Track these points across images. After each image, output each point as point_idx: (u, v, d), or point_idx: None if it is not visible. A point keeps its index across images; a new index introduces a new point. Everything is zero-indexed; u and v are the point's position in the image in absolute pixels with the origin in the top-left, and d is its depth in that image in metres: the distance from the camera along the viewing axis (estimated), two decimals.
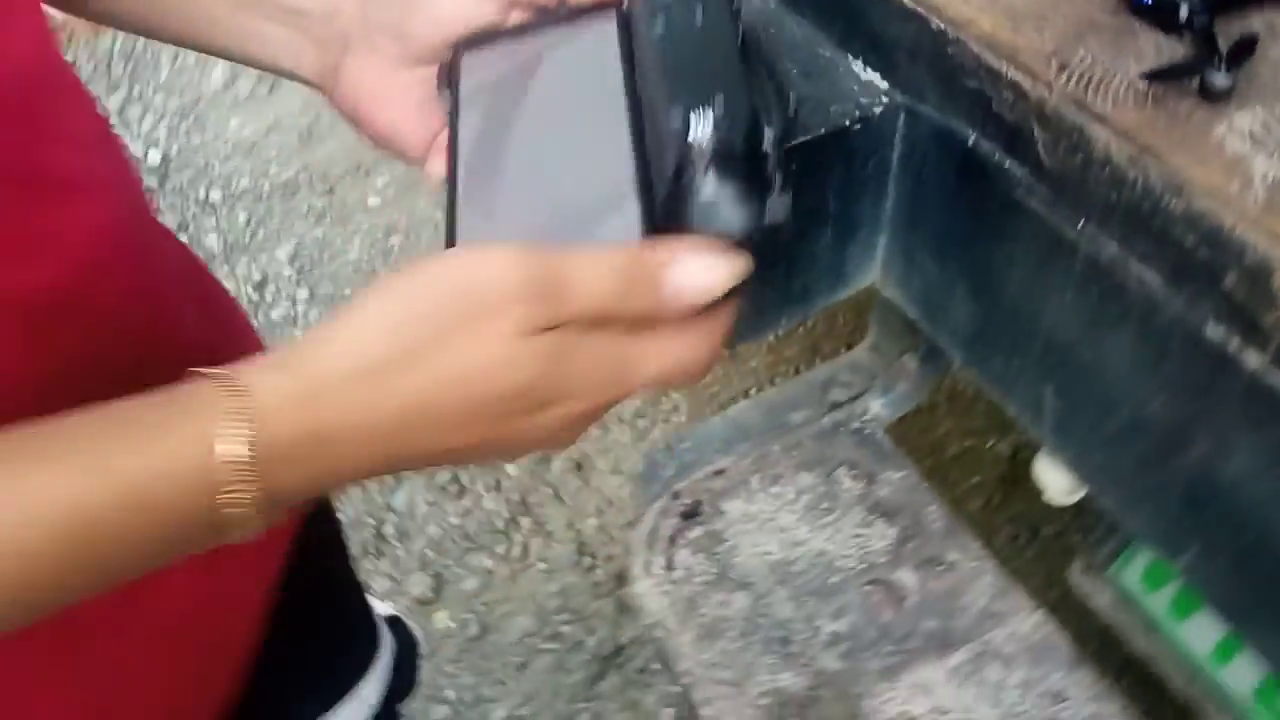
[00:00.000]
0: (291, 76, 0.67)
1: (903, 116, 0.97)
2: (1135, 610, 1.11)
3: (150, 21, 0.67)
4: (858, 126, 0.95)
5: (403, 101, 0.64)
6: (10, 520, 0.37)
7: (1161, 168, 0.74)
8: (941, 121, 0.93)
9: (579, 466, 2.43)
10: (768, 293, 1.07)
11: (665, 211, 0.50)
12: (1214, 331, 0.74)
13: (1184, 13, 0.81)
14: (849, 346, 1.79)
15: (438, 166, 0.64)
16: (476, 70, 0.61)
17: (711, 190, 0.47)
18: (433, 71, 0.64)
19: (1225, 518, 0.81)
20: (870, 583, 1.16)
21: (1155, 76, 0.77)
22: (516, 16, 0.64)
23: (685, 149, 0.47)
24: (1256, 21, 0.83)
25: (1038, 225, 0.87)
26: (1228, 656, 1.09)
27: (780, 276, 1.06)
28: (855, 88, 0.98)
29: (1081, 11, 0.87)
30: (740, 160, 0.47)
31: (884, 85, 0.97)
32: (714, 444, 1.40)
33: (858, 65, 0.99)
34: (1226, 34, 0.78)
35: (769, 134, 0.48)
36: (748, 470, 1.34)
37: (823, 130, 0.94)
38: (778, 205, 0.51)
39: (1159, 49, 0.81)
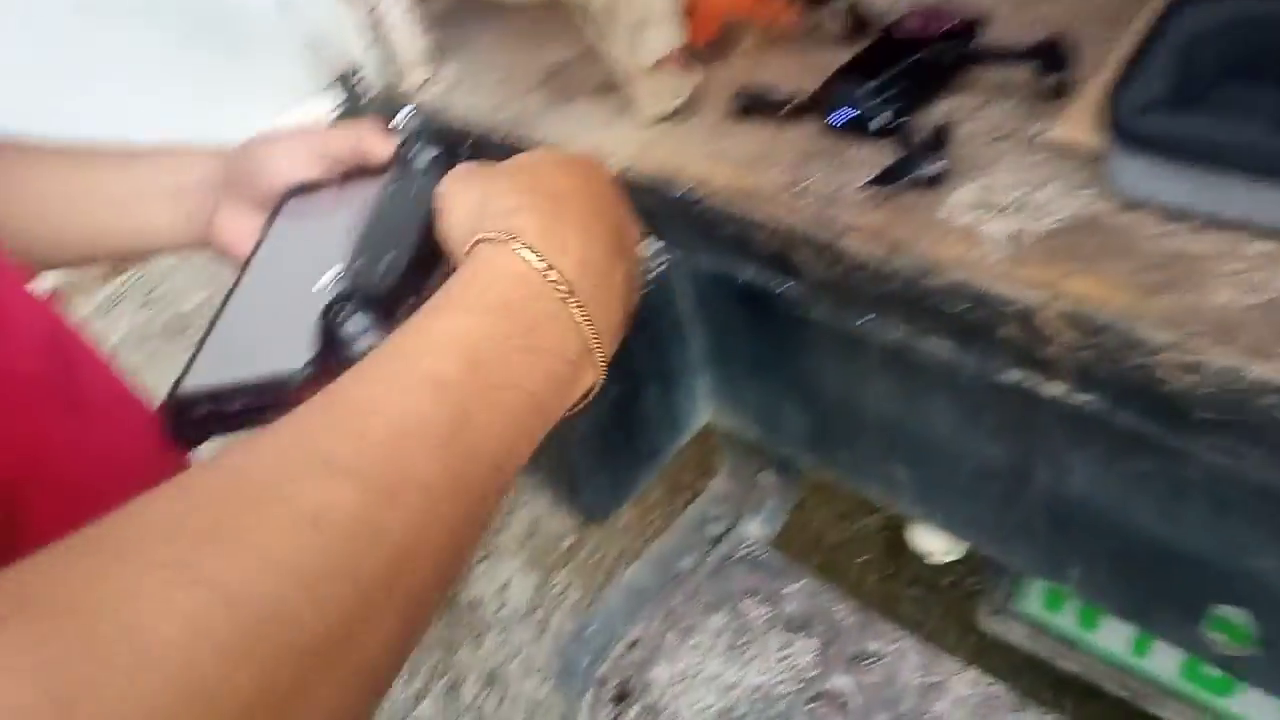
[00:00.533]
0: (172, 250, 0.81)
1: (684, 271, 1.04)
2: (1049, 634, 1.17)
3: (49, 253, 0.78)
4: (651, 289, 1.01)
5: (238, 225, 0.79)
6: (424, 350, 0.49)
7: (911, 255, 0.82)
8: (718, 266, 1.00)
9: (491, 681, 2.35)
10: (619, 462, 1.10)
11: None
12: (1012, 376, 0.82)
13: (876, 124, 0.92)
14: (704, 473, 1.84)
15: None
16: (289, 213, 0.75)
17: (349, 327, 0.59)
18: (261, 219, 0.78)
19: (1088, 529, 0.88)
20: (811, 700, 1.18)
21: (878, 181, 0.86)
22: (320, 167, 0.77)
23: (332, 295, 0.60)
24: (939, 111, 0.95)
25: (829, 330, 0.94)
26: (1145, 649, 1.15)
27: (624, 443, 1.09)
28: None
29: (796, 145, 0.97)
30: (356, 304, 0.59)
31: (660, 245, 1.04)
32: (618, 617, 1.40)
33: None
34: (923, 128, 0.89)
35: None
36: (659, 632, 1.34)
37: None
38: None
39: (875, 157, 0.91)
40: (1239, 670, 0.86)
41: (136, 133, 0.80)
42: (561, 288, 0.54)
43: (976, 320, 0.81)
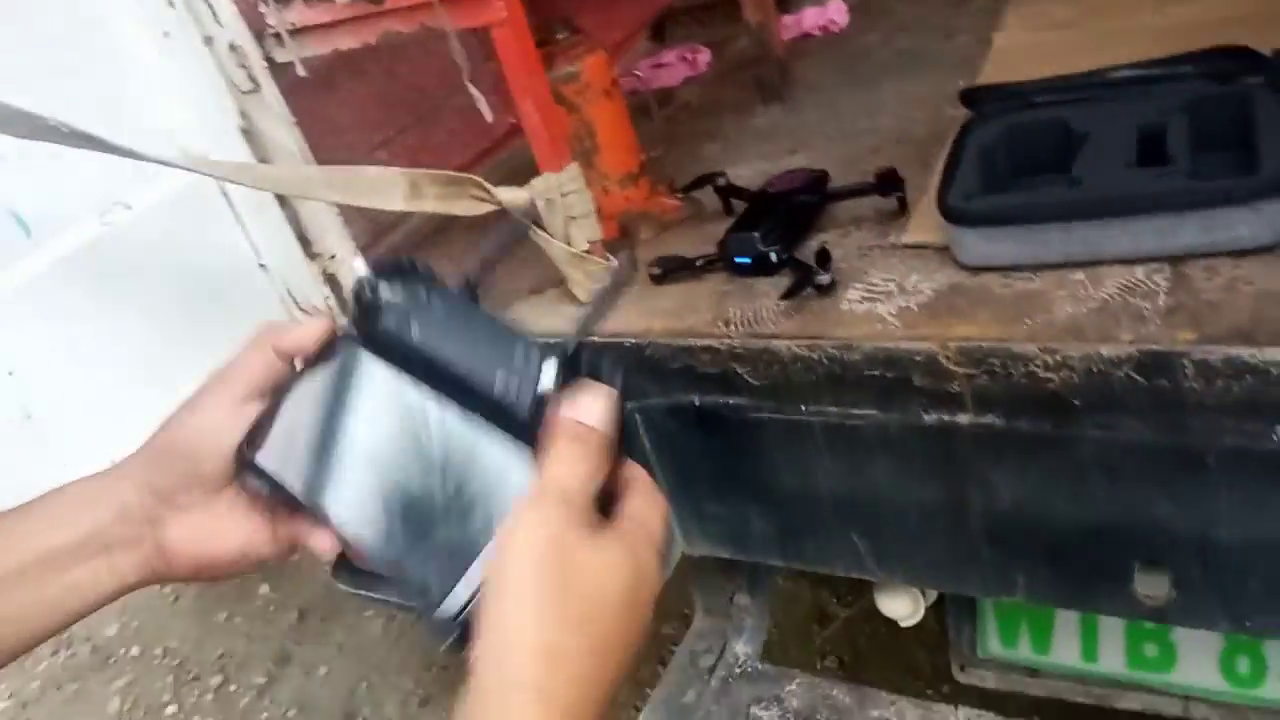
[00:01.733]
0: (119, 595, 0.67)
1: (638, 416, 1.22)
2: (1014, 669, 1.31)
3: None
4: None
5: (232, 520, 0.66)
6: None
7: (830, 340, 1.03)
8: (670, 399, 1.19)
9: None
10: None
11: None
12: (930, 418, 1.03)
13: (774, 258, 1.16)
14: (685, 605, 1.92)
15: (322, 541, 0.66)
16: (272, 449, 0.64)
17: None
18: (232, 490, 0.66)
19: (1021, 535, 1.06)
20: None
21: (786, 296, 1.09)
22: (258, 403, 0.65)
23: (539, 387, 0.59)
24: (814, 243, 1.20)
25: (776, 427, 1.13)
26: (1093, 653, 1.32)
27: None
28: None
29: (712, 291, 1.19)
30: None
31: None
32: None
33: None
34: (807, 255, 1.13)
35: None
36: None
37: None
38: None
39: (775, 285, 1.15)
40: (1171, 617, 1.03)
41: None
42: None
43: (892, 379, 1.02)
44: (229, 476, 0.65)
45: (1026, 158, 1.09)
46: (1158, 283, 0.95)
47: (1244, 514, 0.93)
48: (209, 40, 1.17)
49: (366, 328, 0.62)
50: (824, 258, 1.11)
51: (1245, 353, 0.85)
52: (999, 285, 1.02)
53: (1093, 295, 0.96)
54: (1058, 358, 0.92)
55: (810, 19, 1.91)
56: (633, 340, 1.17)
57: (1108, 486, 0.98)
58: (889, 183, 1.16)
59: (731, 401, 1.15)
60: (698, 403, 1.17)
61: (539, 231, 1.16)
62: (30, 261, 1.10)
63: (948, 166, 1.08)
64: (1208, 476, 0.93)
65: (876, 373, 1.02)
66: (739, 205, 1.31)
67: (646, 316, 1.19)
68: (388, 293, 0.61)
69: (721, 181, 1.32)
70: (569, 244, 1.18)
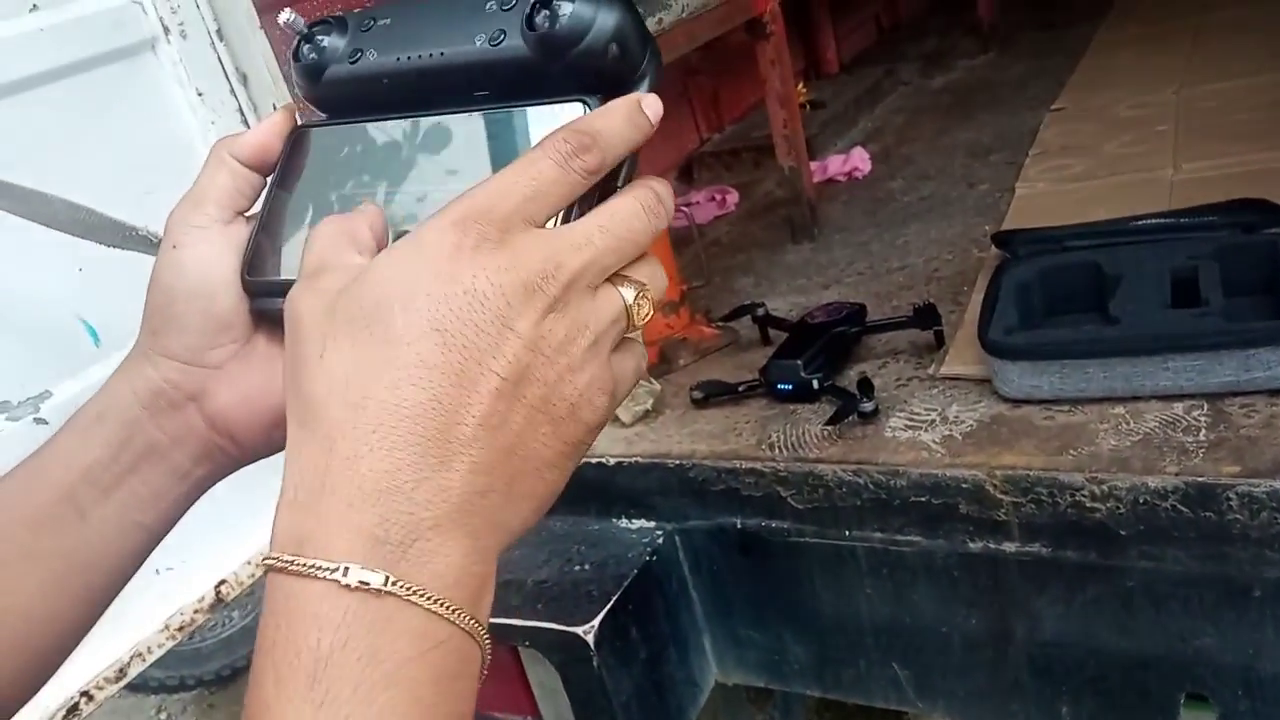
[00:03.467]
0: (195, 494, 0.56)
1: (678, 538, 1.23)
2: None
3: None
4: (654, 558, 1.20)
5: (278, 358, 0.50)
6: None
7: (875, 466, 1.06)
8: (710, 524, 1.20)
9: None
10: None
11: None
12: (975, 545, 1.04)
13: (815, 385, 1.20)
14: None
15: None
16: (274, 261, 0.53)
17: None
18: (264, 334, 0.55)
19: (1066, 666, 1.06)
20: None
21: (832, 422, 1.12)
22: (245, 224, 0.54)
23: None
24: (854, 372, 1.24)
25: (819, 552, 1.14)
26: None
27: (658, 704, 1.22)
28: (633, 536, 1.24)
29: (754, 415, 1.22)
30: None
31: (651, 525, 1.24)
32: None
33: (624, 522, 1.26)
34: (849, 383, 1.17)
35: None
36: None
37: (635, 572, 1.17)
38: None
39: (818, 412, 1.18)
40: None
41: None
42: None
43: (938, 505, 1.04)
44: (249, 316, 0.54)
45: (1061, 297, 1.14)
46: (1198, 419, 0.98)
47: None
48: None
49: (316, 92, 0.53)
50: (867, 386, 1.14)
51: None
52: (1040, 417, 1.05)
53: (1134, 429, 0.99)
54: (1104, 488, 0.95)
55: (835, 165, 2.01)
56: (676, 461, 1.19)
57: (1154, 617, 0.99)
58: (927, 317, 1.21)
59: (774, 524, 1.16)
60: (739, 525, 1.19)
61: None
62: (99, 369, 1.13)
63: (986, 303, 1.12)
64: (1253, 609, 0.94)
65: (923, 499, 1.04)
66: (776, 335, 1.35)
67: (689, 440, 1.22)
68: (328, 37, 0.51)
69: (761, 312, 1.37)
70: None
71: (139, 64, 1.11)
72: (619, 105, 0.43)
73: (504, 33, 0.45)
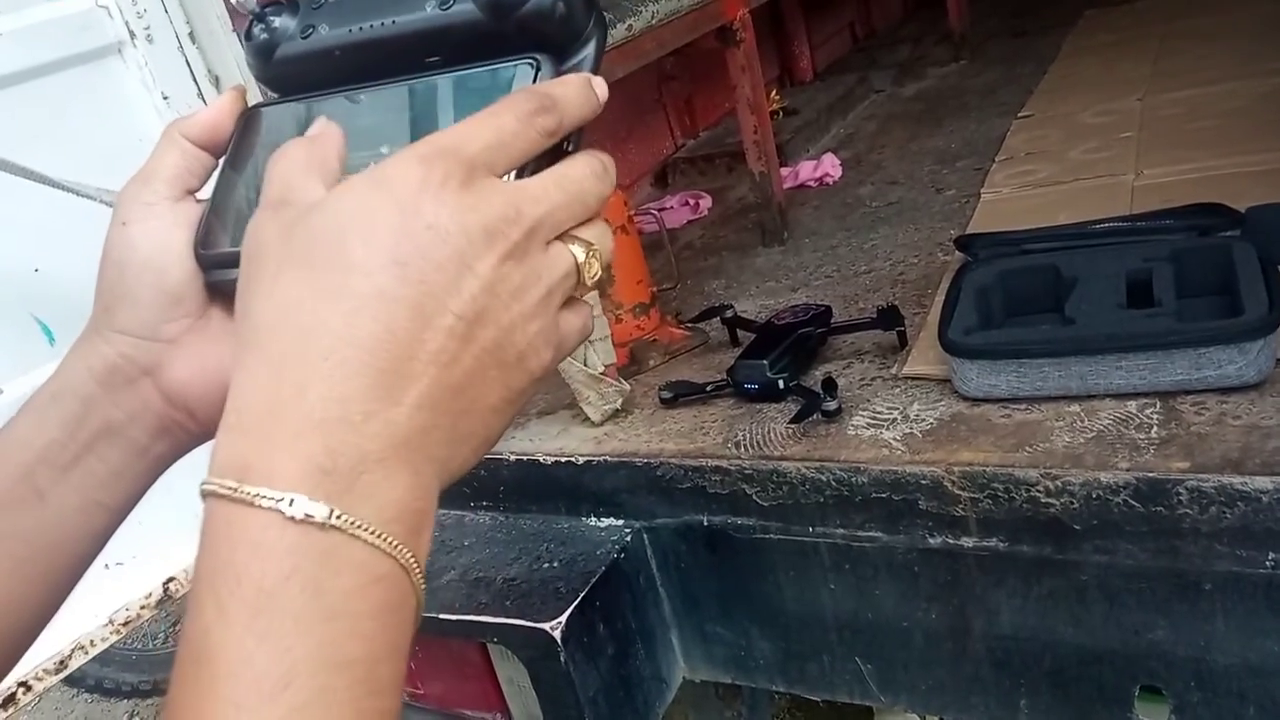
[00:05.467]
0: (155, 471, 0.56)
1: (646, 535, 1.25)
2: None
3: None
4: (622, 556, 1.21)
5: (232, 330, 0.46)
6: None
7: (839, 465, 1.08)
8: (677, 522, 1.22)
9: None
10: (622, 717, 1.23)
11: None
12: (934, 540, 1.06)
13: (781, 385, 1.22)
14: None
15: None
16: (225, 235, 0.53)
17: None
18: (219, 308, 0.54)
19: (1024, 659, 1.08)
20: None
21: (796, 420, 1.14)
22: (195, 202, 0.54)
23: None
24: (819, 373, 1.26)
25: (784, 548, 1.16)
26: None
27: (625, 701, 1.23)
28: (602, 534, 1.25)
29: (721, 415, 1.24)
30: None
31: (620, 523, 1.25)
32: None
33: (592, 520, 1.27)
34: (814, 382, 1.19)
35: None
36: None
37: (603, 569, 1.18)
38: None
39: (783, 411, 1.20)
40: None
41: None
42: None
43: (898, 501, 1.06)
44: (203, 290, 0.53)
45: (1020, 299, 1.17)
46: (1150, 416, 1.01)
47: (1240, 639, 0.96)
48: None
49: (269, 71, 0.53)
50: (830, 385, 1.16)
51: (1236, 481, 0.90)
52: (998, 415, 1.08)
53: (1089, 427, 1.01)
54: (1059, 483, 0.97)
55: (806, 171, 2.03)
56: (644, 460, 1.20)
57: (1108, 611, 1.01)
58: (890, 318, 1.23)
59: (740, 521, 1.18)
60: (706, 522, 1.20)
61: None
62: (53, 368, 1.14)
63: (947, 304, 1.15)
64: (1203, 601, 0.96)
65: (883, 495, 1.06)
66: (745, 337, 1.37)
67: (658, 438, 1.23)
68: (279, 17, 0.52)
69: (729, 314, 1.39)
70: (586, 365, 1.23)
71: (104, 68, 1.12)
72: (574, 78, 0.44)
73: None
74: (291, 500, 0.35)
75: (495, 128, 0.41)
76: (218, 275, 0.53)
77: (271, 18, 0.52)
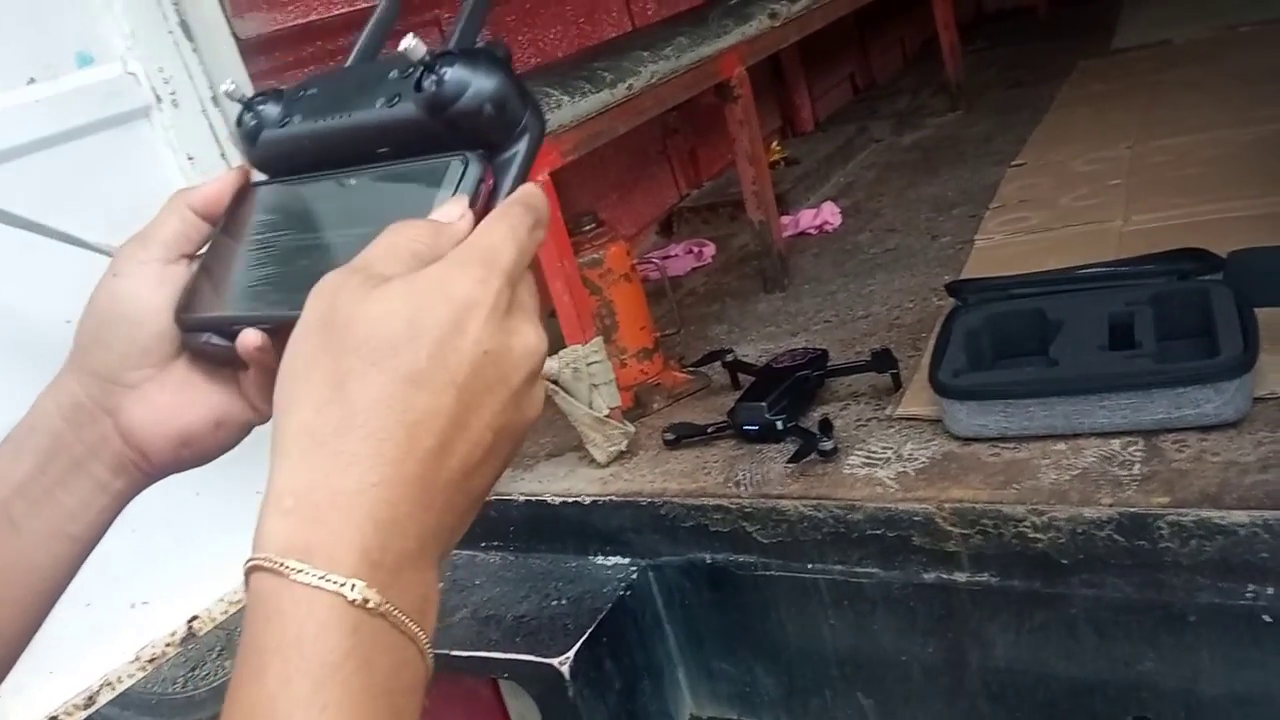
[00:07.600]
0: (117, 506, 0.60)
1: (651, 573, 1.28)
2: None
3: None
4: (628, 593, 1.25)
5: (193, 389, 0.59)
6: None
7: (835, 503, 1.12)
8: (681, 559, 1.26)
9: None
10: None
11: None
12: (929, 575, 1.10)
13: (780, 426, 1.26)
14: None
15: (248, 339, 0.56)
16: (206, 301, 0.58)
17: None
18: (184, 361, 0.59)
19: (1018, 692, 1.11)
20: None
21: (794, 460, 1.18)
22: (185, 266, 0.59)
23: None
24: (816, 414, 1.30)
25: (784, 585, 1.20)
26: None
27: None
28: (609, 572, 1.29)
29: (722, 455, 1.29)
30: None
31: (625, 561, 1.29)
32: None
33: (599, 558, 1.31)
34: (812, 423, 1.23)
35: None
36: None
37: (609, 606, 1.22)
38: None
39: (782, 451, 1.24)
40: None
41: None
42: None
43: (893, 537, 1.10)
44: (174, 346, 0.58)
45: (1007, 342, 1.21)
46: (1133, 453, 1.05)
47: (1226, 670, 0.99)
48: None
49: (254, 154, 0.59)
50: (827, 426, 1.21)
51: (1215, 515, 0.94)
52: (988, 454, 1.12)
53: (1074, 464, 1.05)
54: (1045, 519, 1.01)
55: (806, 219, 2.09)
56: (648, 500, 1.25)
57: (1098, 643, 1.04)
58: (884, 361, 1.28)
59: (741, 559, 1.22)
60: (709, 560, 1.24)
61: (565, 396, 1.26)
62: None
63: (937, 348, 1.19)
64: (1189, 633, 0.99)
65: (878, 532, 1.10)
66: (745, 380, 1.42)
67: (661, 479, 1.28)
68: (265, 106, 0.58)
69: (730, 358, 1.44)
70: (591, 407, 1.27)
71: (132, 130, 1.18)
72: (533, 188, 0.51)
73: (399, 96, 0.51)
74: (354, 585, 0.40)
75: (517, 242, 0.47)
76: (193, 339, 0.58)
77: (259, 106, 0.58)
